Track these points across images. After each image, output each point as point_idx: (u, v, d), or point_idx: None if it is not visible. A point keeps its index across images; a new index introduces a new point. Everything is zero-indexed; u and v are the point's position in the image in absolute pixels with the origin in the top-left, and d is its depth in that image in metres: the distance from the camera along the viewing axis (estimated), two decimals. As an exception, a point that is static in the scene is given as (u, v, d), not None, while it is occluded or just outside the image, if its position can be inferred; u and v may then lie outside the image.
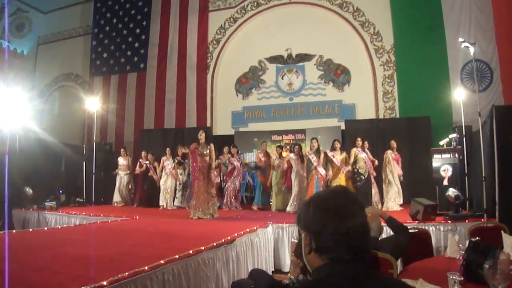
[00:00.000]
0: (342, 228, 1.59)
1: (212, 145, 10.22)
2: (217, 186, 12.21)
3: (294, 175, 11.42)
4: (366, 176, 10.96)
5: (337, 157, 11.14)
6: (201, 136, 10.15)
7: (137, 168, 14.41)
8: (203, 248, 5.20)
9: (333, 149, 11.28)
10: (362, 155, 11.03)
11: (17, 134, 12.30)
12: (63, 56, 19.96)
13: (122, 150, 14.94)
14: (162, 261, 4.29)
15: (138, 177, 14.50)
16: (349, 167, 11.09)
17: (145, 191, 14.14)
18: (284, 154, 12.63)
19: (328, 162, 11.32)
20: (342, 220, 1.60)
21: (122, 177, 14.61)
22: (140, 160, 14.43)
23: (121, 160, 14.70)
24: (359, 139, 11.19)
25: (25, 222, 11.37)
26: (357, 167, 11.05)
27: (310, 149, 11.37)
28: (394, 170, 11.11)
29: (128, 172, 14.66)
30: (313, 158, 11.05)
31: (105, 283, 3.47)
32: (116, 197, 14.46)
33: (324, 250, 1.64)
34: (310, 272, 1.75)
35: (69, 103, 18.97)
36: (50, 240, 6.56)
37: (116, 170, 14.64)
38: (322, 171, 10.99)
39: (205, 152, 10.00)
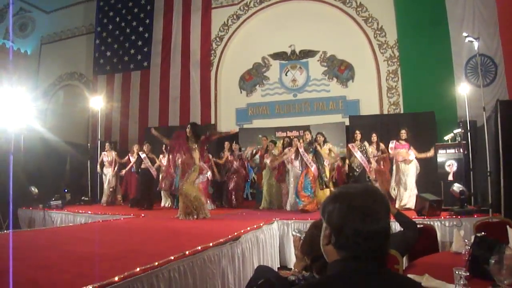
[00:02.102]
0: (364, 231, 1.59)
1: (203, 138, 9.68)
2: (207, 184, 12.01)
3: (291, 169, 11.23)
4: (359, 171, 10.68)
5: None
6: (187, 130, 9.53)
7: (124, 160, 13.62)
8: (209, 245, 5.21)
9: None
10: (356, 154, 10.68)
11: (22, 134, 12.33)
12: (66, 55, 19.95)
13: (107, 144, 13.93)
14: (167, 259, 4.30)
15: (130, 173, 13.49)
16: (334, 160, 11.08)
17: (139, 188, 12.86)
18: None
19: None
20: (365, 222, 1.59)
21: (106, 174, 13.61)
22: (129, 155, 13.59)
23: (106, 156, 13.71)
24: (357, 132, 10.97)
25: (31, 221, 11.41)
26: (350, 161, 10.91)
27: (302, 141, 11.00)
28: (407, 167, 10.15)
29: (113, 168, 13.60)
30: (303, 153, 10.66)
31: (111, 281, 3.48)
32: (104, 197, 13.54)
33: (342, 246, 1.64)
34: (317, 267, 1.75)
35: (73, 102, 18.99)
36: (56, 238, 6.57)
37: (98, 169, 13.81)
38: (313, 166, 10.52)
39: (194, 147, 9.43)
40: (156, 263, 4.09)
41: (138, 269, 3.83)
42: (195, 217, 9.08)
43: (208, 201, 11.51)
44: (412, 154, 10.10)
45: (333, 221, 1.67)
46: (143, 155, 12.86)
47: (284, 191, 11.58)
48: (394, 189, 10.27)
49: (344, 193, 1.70)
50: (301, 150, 10.70)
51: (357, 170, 10.68)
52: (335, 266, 1.67)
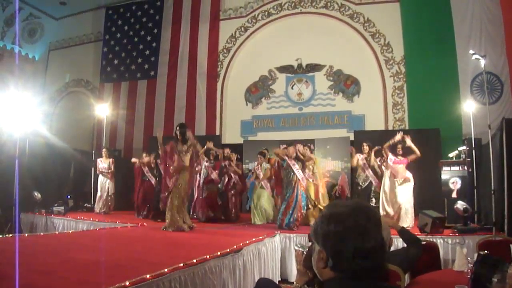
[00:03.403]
0: (362, 250, 1.59)
1: (189, 132, 9.32)
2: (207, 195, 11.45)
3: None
4: (365, 185, 10.56)
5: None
6: (178, 133, 9.19)
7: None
8: (211, 256, 5.20)
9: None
10: (361, 162, 10.55)
11: (27, 139, 12.34)
12: (74, 62, 20.05)
13: (104, 150, 13.57)
14: (168, 269, 4.29)
15: (136, 181, 12.85)
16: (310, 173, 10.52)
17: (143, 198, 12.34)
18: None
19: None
20: (362, 241, 1.59)
21: (102, 182, 13.15)
22: (136, 160, 13.01)
23: (101, 163, 13.26)
24: (365, 144, 10.77)
25: (33, 226, 11.42)
26: (356, 175, 10.77)
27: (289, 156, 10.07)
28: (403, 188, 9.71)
29: (109, 175, 13.23)
30: (295, 166, 9.68)
31: (112, 289, 3.48)
32: (98, 206, 12.96)
33: (341, 268, 1.63)
34: (318, 283, 1.75)
35: (79, 109, 19.06)
36: (58, 244, 6.58)
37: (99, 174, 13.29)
38: (303, 182, 9.76)
39: (183, 150, 9.03)
40: (158, 273, 4.08)
41: (139, 278, 3.83)
42: (181, 228, 8.65)
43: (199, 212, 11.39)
44: (409, 174, 9.88)
45: (329, 245, 1.65)
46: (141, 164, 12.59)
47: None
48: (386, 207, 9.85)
49: (336, 214, 1.68)
50: (291, 162, 9.75)
51: (361, 185, 10.60)
52: (333, 285, 1.66)
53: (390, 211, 9.66)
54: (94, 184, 13.97)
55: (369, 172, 10.53)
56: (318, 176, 10.87)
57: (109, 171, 13.28)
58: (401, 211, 9.52)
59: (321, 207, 10.28)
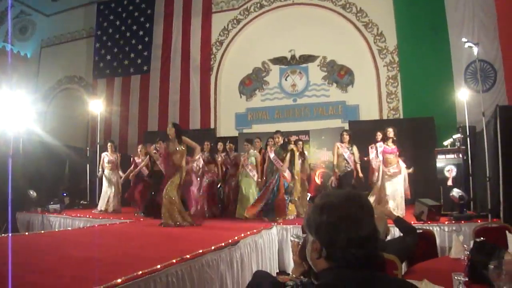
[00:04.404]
0: (356, 238, 1.58)
1: (184, 137, 8.92)
2: (206, 190, 11.24)
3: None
4: (343, 174, 10.04)
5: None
6: (170, 131, 8.84)
7: (131, 169, 12.22)
8: (208, 249, 5.19)
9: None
10: (344, 153, 10.05)
11: (21, 137, 12.29)
12: (66, 58, 19.97)
13: (109, 144, 12.74)
14: (166, 263, 4.28)
15: (138, 178, 12.19)
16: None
17: (154, 193, 10.96)
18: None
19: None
20: (356, 230, 1.59)
21: (109, 178, 12.42)
22: (135, 158, 12.37)
23: (108, 157, 12.51)
24: (345, 133, 10.35)
25: (29, 225, 11.36)
26: (336, 165, 10.19)
27: (271, 145, 10.00)
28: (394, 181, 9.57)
29: (118, 172, 12.58)
30: (274, 158, 9.61)
31: (109, 285, 3.46)
32: (102, 204, 12.25)
33: (336, 258, 1.62)
34: (314, 274, 1.74)
35: (72, 106, 18.99)
36: (55, 242, 6.56)
37: (99, 171, 12.61)
38: (287, 174, 9.57)
39: (177, 149, 8.73)
40: (154, 268, 4.07)
41: (136, 273, 3.82)
42: (178, 223, 8.52)
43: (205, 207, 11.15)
44: (402, 164, 9.73)
45: (324, 235, 1.65)
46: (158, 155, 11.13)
47: None
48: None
49: (328, 203, 1.67)
50: (272, 154, 9.72)
51: (340, 174, 10.08)
52: (328, 274, 1.66)
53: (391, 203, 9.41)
54: (90, 181, 13.93)
55: (346, 155, 10.06)
56: (311, 166, 10.81)
57: (117, 167, 12.61)
58: (391, 202, 9.37)
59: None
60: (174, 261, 4.44)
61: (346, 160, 10.06)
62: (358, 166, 10.17)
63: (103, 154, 12.69)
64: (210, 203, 11.32)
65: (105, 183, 12.51)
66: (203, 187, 11.22)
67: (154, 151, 11.04)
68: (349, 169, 10.05)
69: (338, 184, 10.06)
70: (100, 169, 12.60)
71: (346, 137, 10.20)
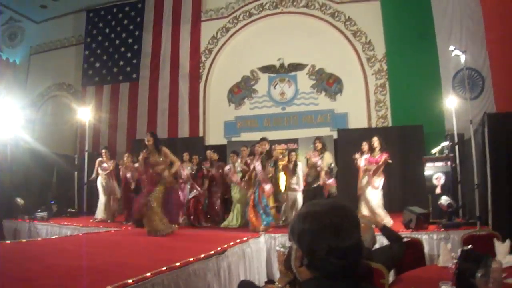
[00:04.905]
0: (337, 248, 1.57)
1: (165, 148, 8.66)
2: (193, 204, 11.01)
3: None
4: (315, 186, 9.80)
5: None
6: (149, 141, 8.55)
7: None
8: (195, 258, 5.16)
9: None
10: (315, 161, 9.71)
11: (9, 144, 12.22)
12: (55, 65, 19.88)
13: (104, 150, 12.53)
14: (152, 272, 4.24)
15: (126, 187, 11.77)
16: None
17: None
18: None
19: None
20: (337, 240, 1.58)
21: (106, 184, 12.08)
22: (120, 166, 12.08)
23: (104, 163, 12.24)
24: (317, 141, 10.04)
25: (16, 232, 11.25)
26: (307, 174, 10.01)
27: (253, 154, 9.65)
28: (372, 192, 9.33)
29: (113, 181, 12.21)
30: (258, 167, 9.26)
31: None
32: (100, 213, 12.05)
33: (316, 267, 1.62)
34: (299, 283, 1.73)
35: (61, 113, 18.91)
36: (41, 251, 6.49)
37: (93, 176, 12.33)
38: (267, 186, 9.23)
39: (159, 160, 8.49)
40: (141, 277, 4.03)
41: (123, 282, 3.78)
42: (160, 232, 8.21)
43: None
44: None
45: (304, 243, 1.64)
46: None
47: None
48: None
49: (312, 212, 1.67)
50: (257, 163, 9.31)
51: (313, 185, 9.81)
52: (310, 285, 1.65)
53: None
54: (78, 189, 13.85)
55: (319, 170, 9.72)
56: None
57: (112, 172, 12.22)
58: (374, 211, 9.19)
59: None
60: (160, 270, 4.40)
61: (317, 170, 9.76)
62: (323, 173, 9.70)
63: (98, 160, 12.41)
64: (198, 212, 11.12)
65: (100, 191, 12.22)
66: (190, 200, 11.10)
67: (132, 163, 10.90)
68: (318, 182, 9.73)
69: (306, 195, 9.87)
70: (95, 173, 12.30)
71: (319, 145, 9.96)
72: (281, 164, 10.34)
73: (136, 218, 10.42)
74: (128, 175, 11.71)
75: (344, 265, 1.58)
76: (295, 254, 1.69)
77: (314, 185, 9.72)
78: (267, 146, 9.73)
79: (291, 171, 10.22)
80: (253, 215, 9.08)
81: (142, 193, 8.99)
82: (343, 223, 1.60)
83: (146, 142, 8.60)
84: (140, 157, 8.73)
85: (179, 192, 10.78)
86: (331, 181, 9.87)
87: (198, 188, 11.11)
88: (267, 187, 9.25)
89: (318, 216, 1.63)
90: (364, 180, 9.37)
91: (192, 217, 10.97)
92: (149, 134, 8.77)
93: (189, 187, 11.21)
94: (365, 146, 9.66)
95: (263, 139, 9.92)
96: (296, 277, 1.78)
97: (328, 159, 10.01)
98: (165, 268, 4.50)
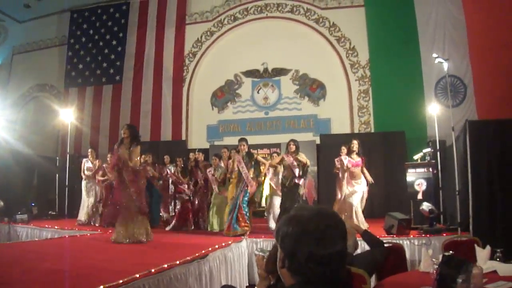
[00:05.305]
0: (317, 255, 1.57)
1: (138, 147, 7.95)
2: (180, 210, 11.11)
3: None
4: (289, 186, 9.52)
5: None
6: (125, 133, 7.91)
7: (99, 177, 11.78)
8: (176, 262, 5.14)
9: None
10: (291, 163, 9.46)
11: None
12: (38, 66, 19.67)
13: (90, 150, 12.37)
14: (132, 277, 4.21)
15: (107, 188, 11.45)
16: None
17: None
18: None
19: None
20: (318, 247, 1.58)
21: (88, 186, 11.96)
22: (104, 165, 11.75)
23: (89, 164, 12.01)
24: (291, 143, 9.72)
25: (-5, 235, 11.15)
26: (282, 176, 9.81)
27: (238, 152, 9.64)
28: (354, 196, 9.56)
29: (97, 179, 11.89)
30: (242, 167, 9.27)
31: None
32: (83, 215, 11.84)
33: (295, 271, 1.62)
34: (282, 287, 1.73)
35: (43, 114, 18.72)
36: (20, 254, 6.42)
37: (83, 177, 12.01)
38: (251, 184, 9.30)
39: (129, 151, 7.80)
40: (121, 281, 4.00)
41: (101, 287, 3.75)
42: (142, 239, 7.76)
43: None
44: (363, 180, 9.65)
45: (286, 245, 1.65)
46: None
47: None
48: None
49: (298, 216, 1.68)
50: (241, 165, 9.31)
51: (287, 186, 9.60)
52: None
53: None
54: (59, 191, 13.72)
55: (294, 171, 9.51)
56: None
57: (96, 173, 11.89)
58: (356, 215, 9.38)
59: None
60: (142, 273, 4.37)
61: (293, 171, 9.56)
62: (297, 171, 9.49)
63: (84, 160, 12.22)
64: (183, 216, 11.08)
65: (83, 192, 12.00)
66: (177, 209, 11.07)
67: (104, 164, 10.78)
68: (295, 181, 9.55)
69: (309, 197, 9.98)
70: (83, 175, 12.03)
71: (292, 147, 9.71)
72: (274, 163, 10.23)
73: (108, 221, 10.36)
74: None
75: (324, 271, 1.57)
76: (279, 254, 1.71)
77: (290, 184, 9.54)
78: (246, 147, 9.58)
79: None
80: (239, 217, 9.03)
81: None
82: (326, 231, 1.60)
83: (122, 134, 7.95)
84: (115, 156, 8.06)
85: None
86: (301, 181, 9.70)
87: (187, 190, 11.13)
88: (252, 188, 9.30)
89: (303, 220, 1.64)
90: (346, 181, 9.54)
91: (179, 221, 10.98)
92: (125, 126, 8.11)
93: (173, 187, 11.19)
94: (344, 150, 9.86)
95: (242, 139, 9.78)
96: (278, 281, 1.78)
97: (302, 159, 9.77)
98: (146, 272, 4.47)
